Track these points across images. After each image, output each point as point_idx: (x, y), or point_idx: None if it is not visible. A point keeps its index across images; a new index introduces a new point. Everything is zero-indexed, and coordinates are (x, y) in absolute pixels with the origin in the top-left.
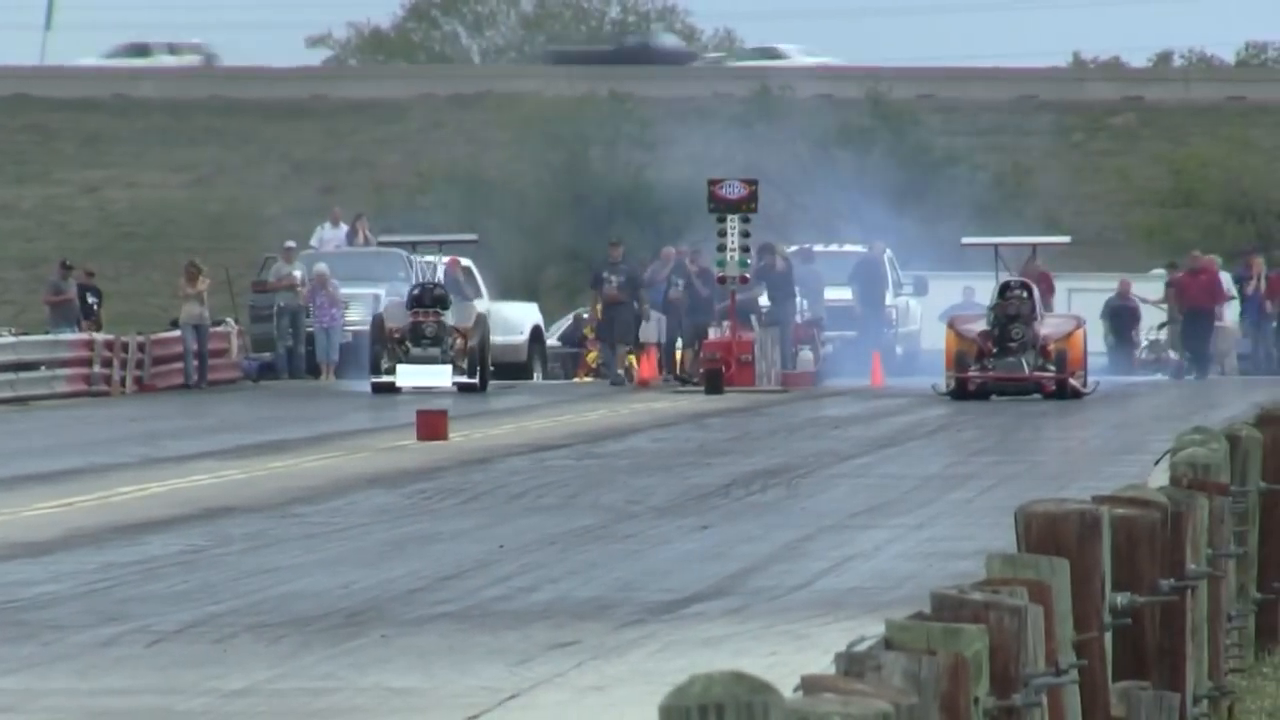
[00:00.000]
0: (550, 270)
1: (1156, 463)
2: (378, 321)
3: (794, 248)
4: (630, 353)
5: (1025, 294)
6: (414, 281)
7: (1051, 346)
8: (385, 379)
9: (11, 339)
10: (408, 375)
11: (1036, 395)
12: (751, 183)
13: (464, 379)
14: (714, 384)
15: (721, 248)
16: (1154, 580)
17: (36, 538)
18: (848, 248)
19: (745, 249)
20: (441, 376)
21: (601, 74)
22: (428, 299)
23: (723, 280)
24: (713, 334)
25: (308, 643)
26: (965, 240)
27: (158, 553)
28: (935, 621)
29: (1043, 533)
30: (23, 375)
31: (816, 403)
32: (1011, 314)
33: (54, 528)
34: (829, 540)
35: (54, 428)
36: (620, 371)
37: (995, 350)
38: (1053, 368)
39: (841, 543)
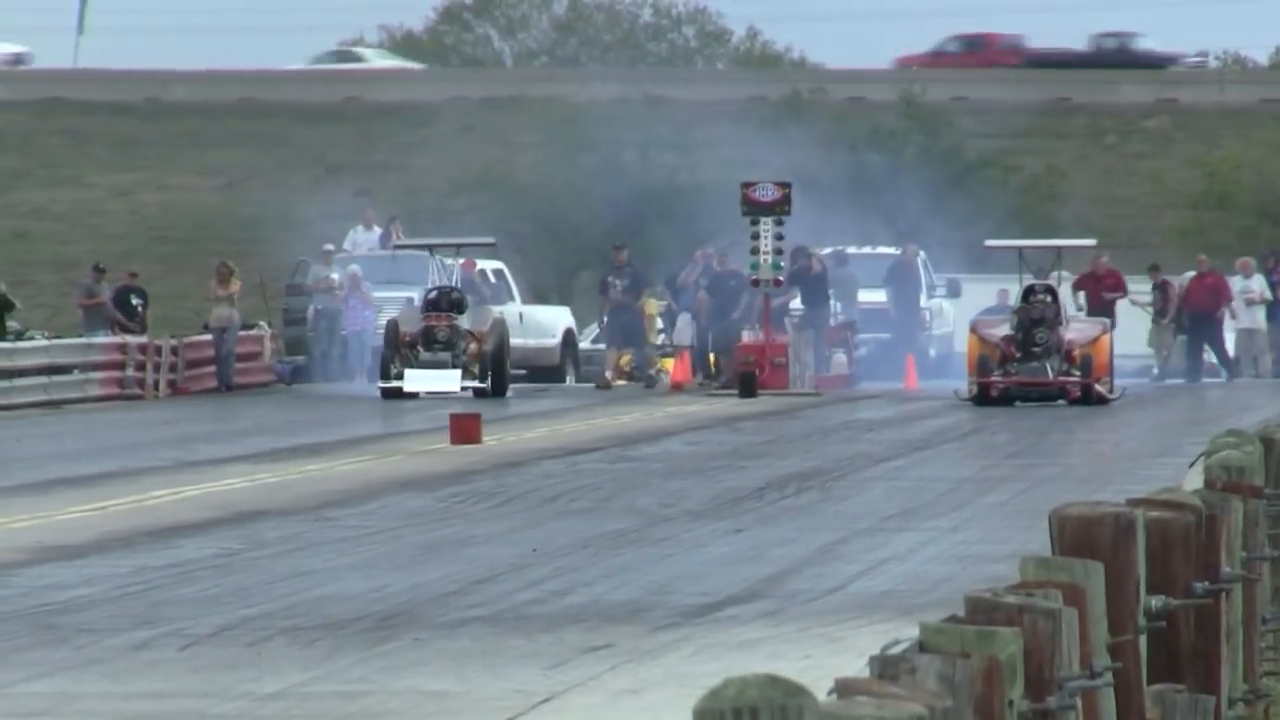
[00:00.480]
0: (583, 273)
1: (1191, 465)
2: (392, 326)
3: (828, 250)
4: (667, 356)
5: (1049, 297)
6: (430, 285)
7: (1076, 351)
8: (394, 384)
9: (45, 342)
10: (416, 380)
11: (1061, 401)
12: (785, 185)
13: (475, 384)
14: (747, 387)
15: (755, 250)
16: (1188, 583)
17: (70, 541)
18: (880, 250)
19: (779, 251)
20: (450, 381)
21: (634, 76)
22: (444, 303)
23: (756, 283)
24: (746, 337)
25: (341, 646)
26: (989, 243)
27: (191, 556)
28: (969, 624)
29: (1077, 535)
30: (56, 379)
31: (850, 405)
32: (1035, 318)
33: (87, 531)
34: (863, 543)
35: (87, 431)
36: (652, 373)
37: (1019, 355)
38: (1077, 373)
39: (875, 546)
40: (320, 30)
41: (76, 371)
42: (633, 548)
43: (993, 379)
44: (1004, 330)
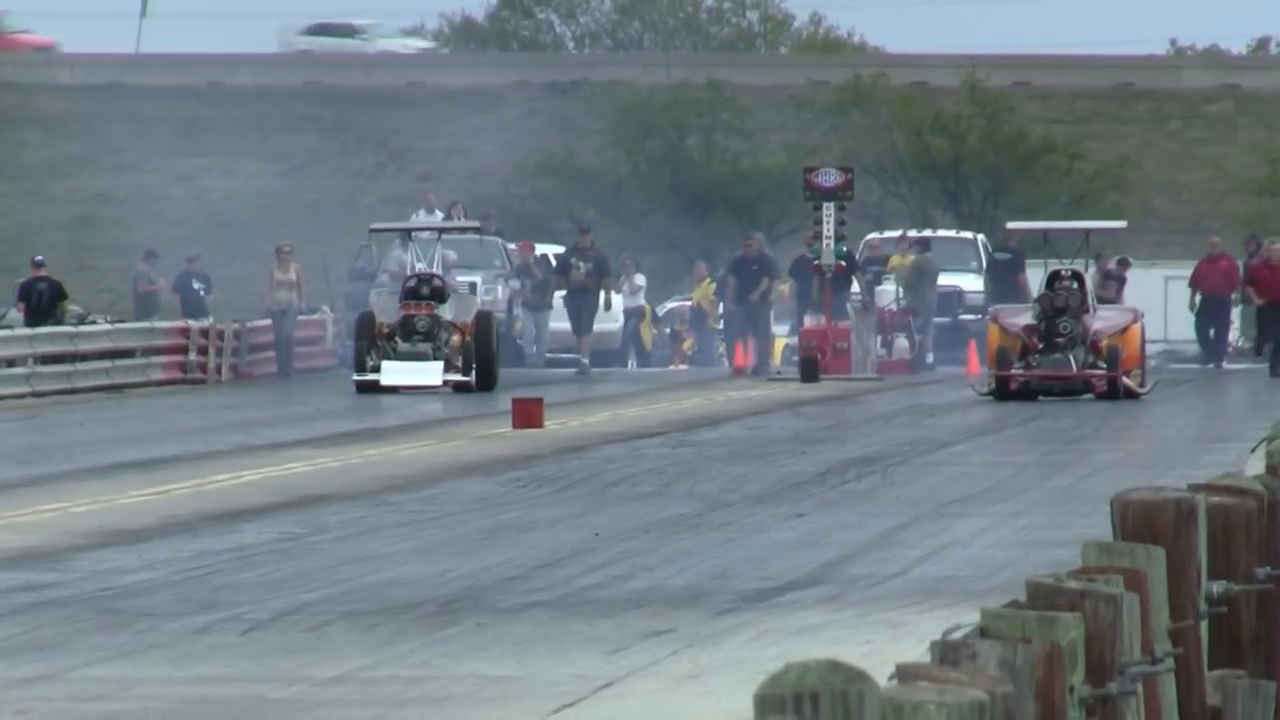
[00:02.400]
0: (647, 258)
1: (1253, 450)
2: (366, 316)
3: (897, 233)
4: (724, 341)
5: (1075, 284)
6: (411, 272)
7: (1104, 342)
8: (370, 377)
9: (107, 326)
10: (394, 373)
11: (1088, 396)
12: (847, 170)
13: (457, 377)
14: (809, 371)
15: (817, 235)
16: (1250, 568)
17: (132, 525)
18: (941, 233)
19: (841, 237)
20: (431, 374)
21: (697, 60)
22: (425, 290)
23: (819, 268)
24: (808, 322)
25: (402, 631)
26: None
27: (252, 540)
28: (1031, 610)
29: (1138, 521)
30: (118, 363)
31: (913, 391)
32: (1059, 306)
33: (149, 515)
34: (924, 528)
35: (149, 415)
36: (585, 361)
37: (1041, 346)
38: (1104, 365)
39: (937, 531)
40: (382, 16)
41: (139, 356)
42: (694, 532)
43: (1012, 372)
44: (1026, 319)
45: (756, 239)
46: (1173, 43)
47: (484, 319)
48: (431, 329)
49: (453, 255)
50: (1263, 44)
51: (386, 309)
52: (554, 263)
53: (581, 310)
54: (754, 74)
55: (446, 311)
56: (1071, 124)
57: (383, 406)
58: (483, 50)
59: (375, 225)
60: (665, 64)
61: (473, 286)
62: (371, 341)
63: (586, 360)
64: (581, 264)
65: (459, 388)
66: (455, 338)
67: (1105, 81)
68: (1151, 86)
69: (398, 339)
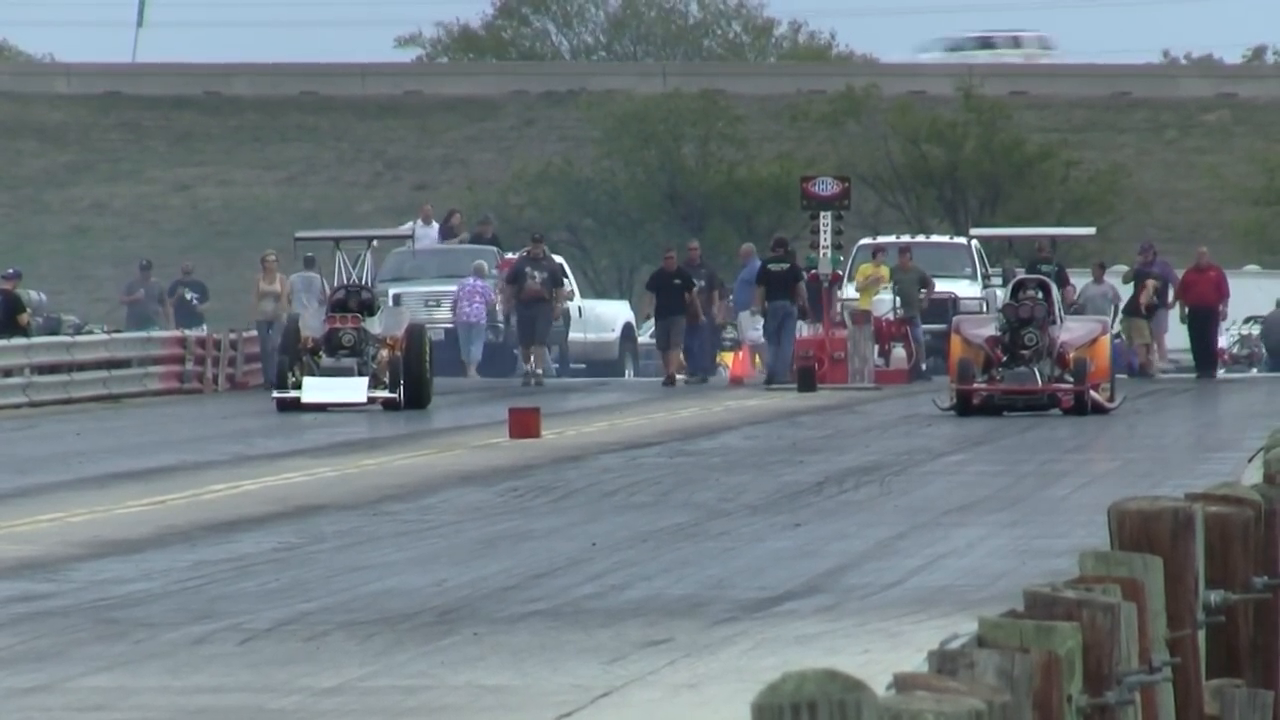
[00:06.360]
0: (644, 268)
1: (1250, 460)
2: (292, 329)
3: (891, 238)
4: (726, 351)
5: (1041, 294)
6: (339, 283)
7: (1071, 354)
8: (291, 394)
9: (104, 336)
10: (315, 390)
11: (1055, 411)
12: (844, 179)
13: (384, 394)
14: (806, 381)
15: (814, 245)
16: (1247, 578)
17: (129, 535)
18: (935, 239)
19: (838, 246)
20: (355, 391)
21: (691, 70)
22: (352, 303)
23: (815, 278)
24: (806, 331)
25: (400, 641)
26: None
27: (249, 550)
28: (1028, 619)
29: (1136, 530)
30: (115, 373)
31: (909, 400)
32: (1024, 317)
33: (146, 525)
34: (922, 538)
35: (146, 425)
36: (539, 371)
37: (1005, 358)
38: (1071, 379)
39: (934, 540)
40: (379, 25)
41: (135, 365)
42: (691, 542)
43: (974, 386)
44: (990, 331)
45: (685, 251)
46: (1165, 54)
47: (416, 333)
48: (358, 343)
49: (484, 264)
50: (1259, 53)
51: (311, 322)
52: (568, 273)
53: (535, 319)
54: (749, 83)
55: (375, 325)
56: (1068, 133)
57: (378, 416)
58: (480, 59)
59: (300, 234)
60: (661, 73)
61: (397, 299)
62: (295, 356)
63: (540, 371)
64: (536, 274)
65: (387, 405)
66: (384, 352)
67: (1102, 90)
68: (1148, 95)
69: (322, 353)
